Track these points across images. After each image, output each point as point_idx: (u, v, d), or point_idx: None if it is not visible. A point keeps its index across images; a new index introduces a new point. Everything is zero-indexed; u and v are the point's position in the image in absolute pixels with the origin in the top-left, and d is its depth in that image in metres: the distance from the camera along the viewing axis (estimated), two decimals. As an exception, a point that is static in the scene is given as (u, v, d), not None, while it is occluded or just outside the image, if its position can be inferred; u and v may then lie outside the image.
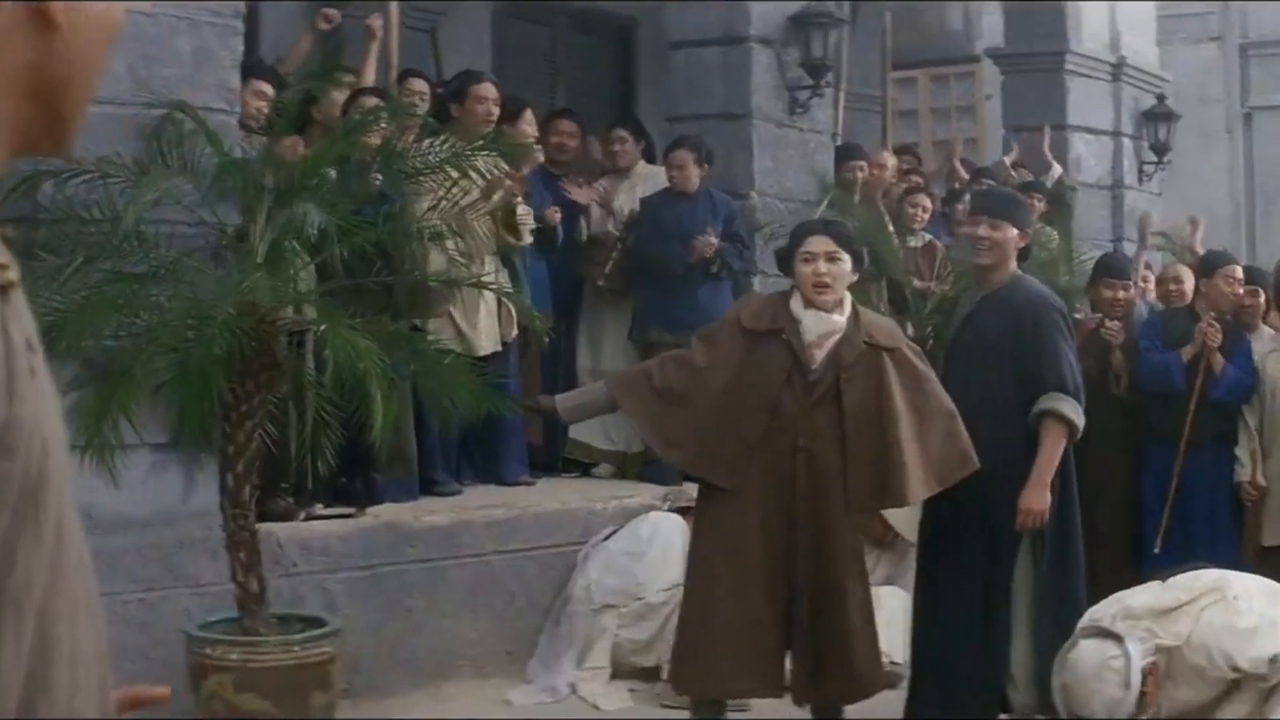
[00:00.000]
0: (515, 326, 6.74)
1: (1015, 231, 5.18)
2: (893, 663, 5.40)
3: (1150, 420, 6.72)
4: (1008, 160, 10.40)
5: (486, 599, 6.26)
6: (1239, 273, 6.87)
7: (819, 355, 4.74)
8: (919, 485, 4.73)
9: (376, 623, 5.93)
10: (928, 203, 8.91)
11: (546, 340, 6.61)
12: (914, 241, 8.80)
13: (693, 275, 7.28)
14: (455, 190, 5.83)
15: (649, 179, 7.63)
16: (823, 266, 4.77)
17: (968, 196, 9.13)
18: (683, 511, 6.35)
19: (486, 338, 6.62)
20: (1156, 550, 6.48)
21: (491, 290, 5.63)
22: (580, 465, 7.66)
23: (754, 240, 7.48)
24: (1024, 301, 5.14)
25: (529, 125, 7.16)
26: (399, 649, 5.99)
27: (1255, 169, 14.47)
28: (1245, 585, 4.60)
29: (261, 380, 4.94)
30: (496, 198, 6.46)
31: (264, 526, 5.55)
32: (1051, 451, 5.00)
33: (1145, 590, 4.68)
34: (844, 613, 4.75)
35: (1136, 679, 4.35)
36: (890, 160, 8.95)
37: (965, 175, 9.89)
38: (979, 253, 5.19)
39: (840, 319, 4.79)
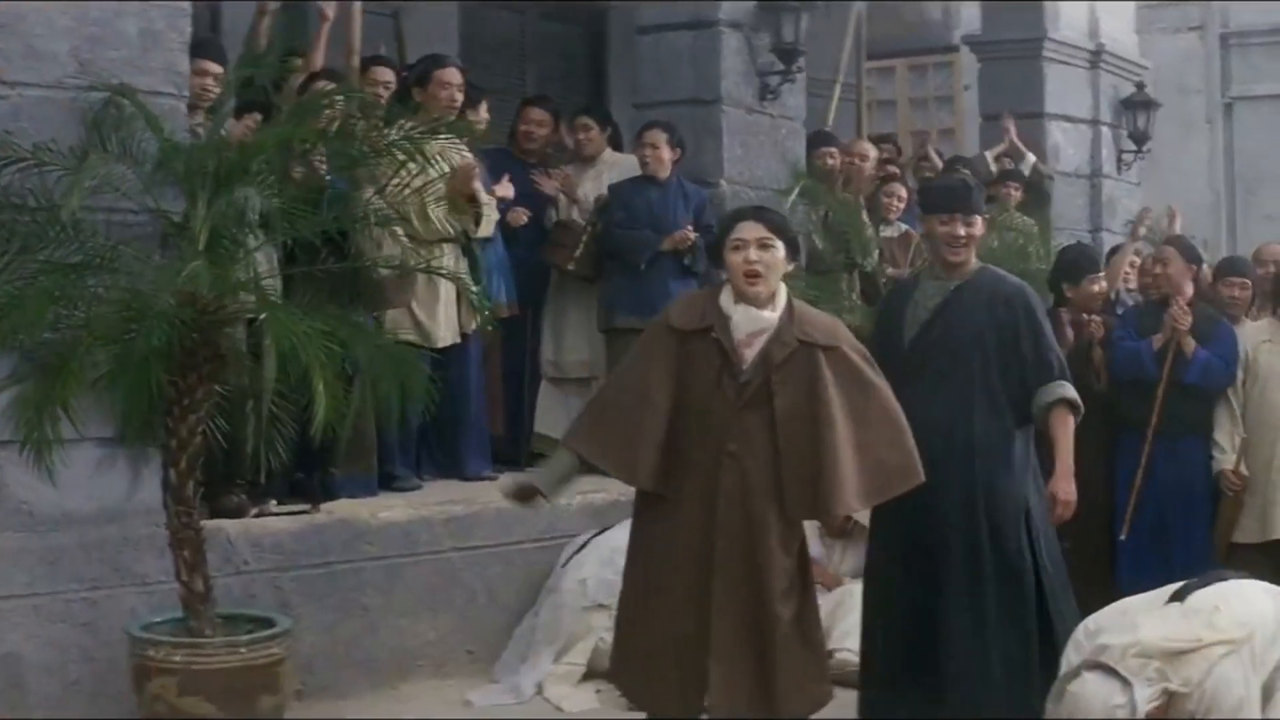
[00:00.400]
0: (476, 317, 6.59)
1: (982, 221, 5.10)
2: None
3: (1123, 411, 6.57)
4: (991, 154, 10.24)
5: (446, 597, 6.10)
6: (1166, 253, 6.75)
7: (749, 354, 4.32)
8: (853, 496, 4.29)
9: (331, 622, 5.77)
10: (903, 192, 8.76)
11: (490, 329, 6.47)
12: (889, 231, 8.66)
13: (664, 263, 7.13)
14: (407, 174, 5.69)
15: (615, 167, 7.47)
16: (754, 254, 4.35)
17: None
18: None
19: (445, 329, 6.46)
20: (1122, 537, 6.34)
21: (443, 277, 5.44)
22: (546, 459, 7.49)
23: (723, 230, 7.30)
24: (1012, 290, 5.06)
25: (486, 114, 7.03)
26: (355, 649, 5.83)
27: (1235, 159, 14.45)
28: (1270, 629, 4.32)
29: (205, 373, 4.77)
30: (458, 184, 6.32)
31: (214, 523, 5.43)
32: (1069, 439, 4.99)
33: (1163, 616, 4.34)
34: (769, 636, 4.28)
35: None
36: (871, 151, 8.78)
37: (939, 164, 9.72)
38: (956, 251, 5.02)
39: (772, 315, 4.37)
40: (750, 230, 4.40)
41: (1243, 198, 14.22)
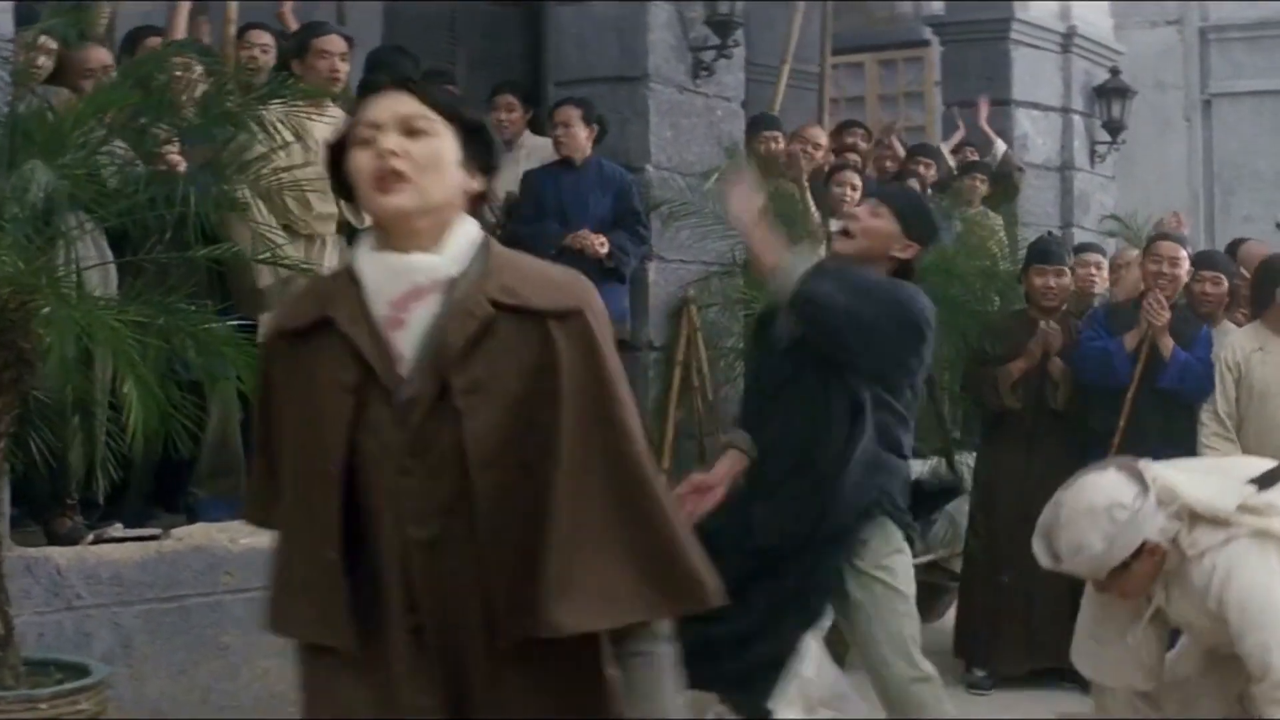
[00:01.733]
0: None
1: (897, 228, 4.13)
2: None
3: (1091, 422, 5.86)
4: (947, 146, 9.52)
5: (321, 634, 5.34)
6: (1178, 251, 5.99)
7: (407, 341, 2.25)
8: (581, 613, 2.21)
9: (183, 663, 5.02)
10: (857, 181, 7.99)
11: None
12: (835, 224, 7.90)
13: (575, 261, 6.37)
14: (284, 155, 4.99)
15: (537, 153, 6.74)
16: (392, 140, 2.24)
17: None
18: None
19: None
20: None
21: (290, 269, 4.69)
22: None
23: (649, 220, 6.56)
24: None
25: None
26: (212, 694, 5.08)
27: (1214, 158, 13.89)
28: None
29: (4, 380, 4.03)
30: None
31: (41, 551, 4.75)
32: None
33: (1222, 486, 3.78)
34: None
35: (1129, 545, 3.61)
36: (823, 137, 8.06)
37: (901, 153, 9.00)
38: (842, 237, 4.12)
39: (439, 259, 2.27)
40: (386, 106, 2.28)
41: (1221, 198, 13.72)
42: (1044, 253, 6.26)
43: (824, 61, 8.95)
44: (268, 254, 4.41)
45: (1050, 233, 6.98)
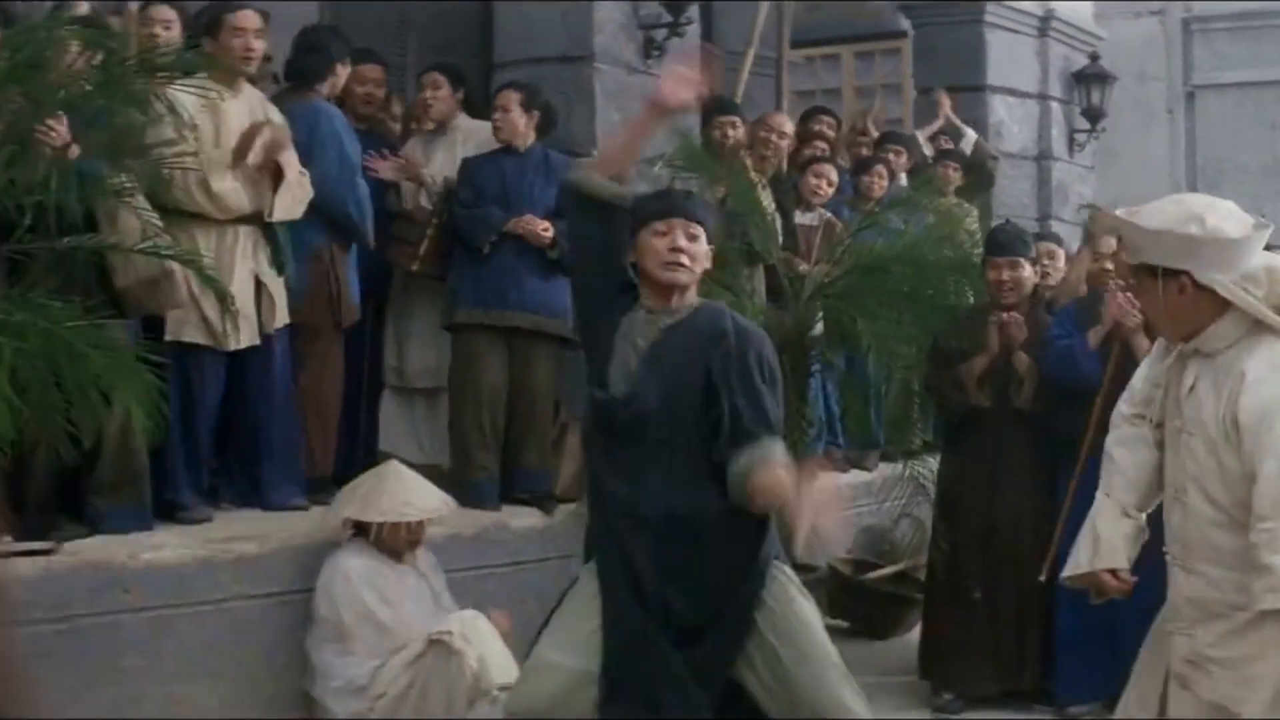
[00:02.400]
0: (282, 314, 5.45)
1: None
2: None
3: (1060, 426, 5.46)
4: (924, 133, 9.14)
5: (232, 658, 4.95)
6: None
7: None
8: None
9: (79, 688, 4.62)
10: (833, 174, 7.62)
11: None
12: (808, 219, 7.52)
13: (516, 249, 5.97)
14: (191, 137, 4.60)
15: (474, 138, 6.29)
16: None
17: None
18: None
19: (240, 328, 5.30)
20: (1041, 578, 5.08)
21: (192, 267, 4.27)
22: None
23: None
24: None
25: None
26: (109, 724, 4.68)
27: (1197, 151, 13.82)
28: None
29: None
30: (256, 150, 5.19)
31: (-83, 569, 4.30)
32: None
33: None
34: None
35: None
36: (788, 125, 7.65)
37: (874, 135, 8.60)
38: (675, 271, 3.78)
39: None
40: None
41: (1205, 192, 13.19)
42: (998, 244, 5.85)
43: (781, 48, 8.52)
44: (150, 244, 3.97)
45: (1008, 221, 6.53)
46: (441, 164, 6.27)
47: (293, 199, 5.40)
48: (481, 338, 5.97)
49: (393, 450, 6.27)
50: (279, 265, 5.43)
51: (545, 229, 5.89)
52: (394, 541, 5.06)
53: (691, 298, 3.81)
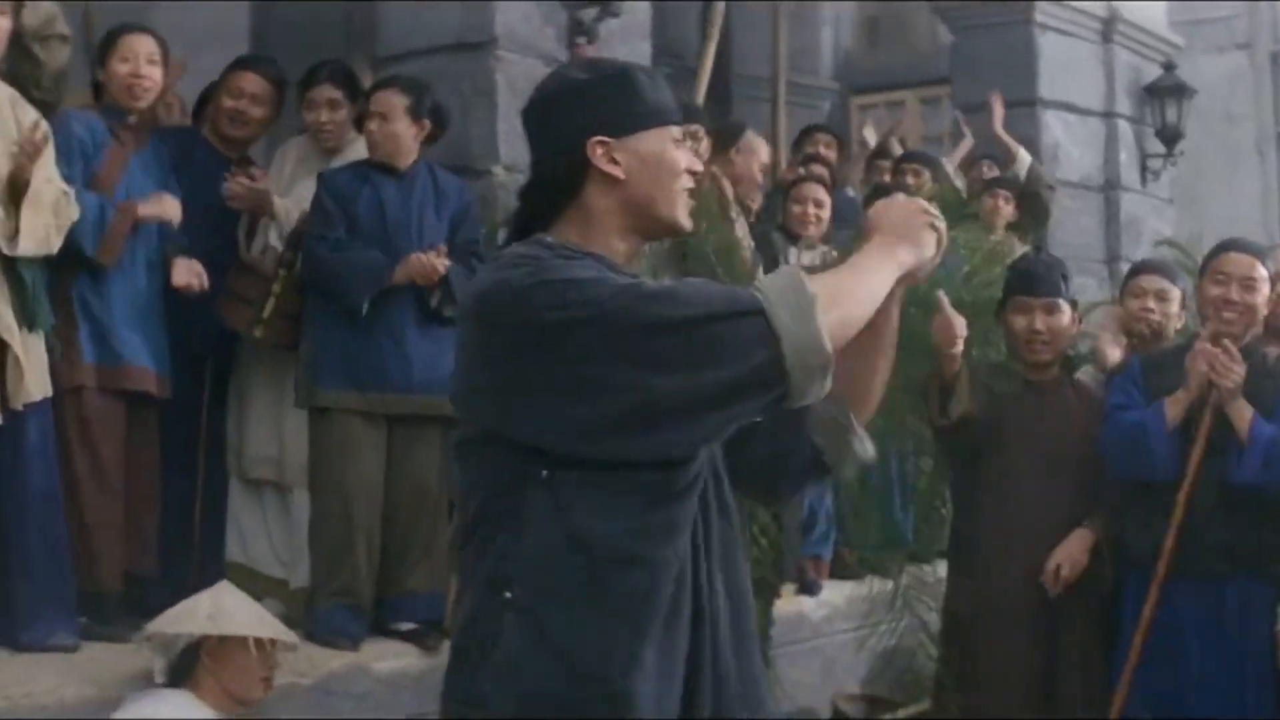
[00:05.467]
0: (38, 383, 3.99)
1: None
2: None
3: (1127, 538, 3.96)
4: (952, 161, 7.65)
5: None
6: (1254, 268, 4.03)
7: None
8: None
9: None
10: (822, 196, 6.13)
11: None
12: (808, 257, 6.01)
13: (396, 303, 4.51)
14: None
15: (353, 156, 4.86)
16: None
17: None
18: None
19: (-34, 403, 3.85)
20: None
21: None
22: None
23: (495, 241, 4.63)
24: None
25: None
26: None
27: None
28: None
29: None
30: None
31: None
32: None
33: None
34: None
35: None
36: (761, 147, 6.18)
37: (897, 152, 7.20)
38: None
39: None
40: None
41: (1299, 236, 12.62)
42: (1028, 277, 4.30)
43: (777, 73, 7.08)
44: None
45: (1040, 249, 4.95)
46: (306, 195, 4.79)
47: (45, 225, 3.95)
48: (354, 422, 4.53)
49: (243, 560, 4.83)
50: (31, 318, 3.96)
51: (440, 263, 4.45)
52: (243, 684, 3.66)
53: None
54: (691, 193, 2.27)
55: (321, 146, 4.94)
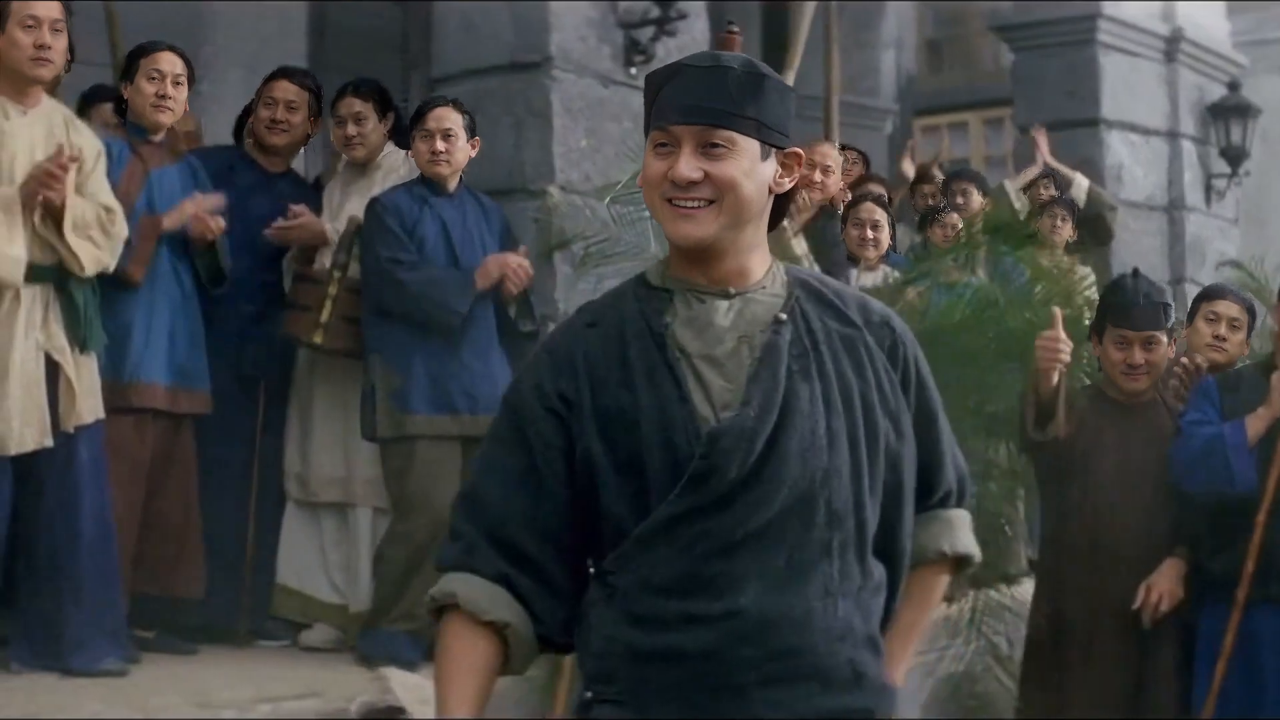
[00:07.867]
0: (90, 406, 3.97)
1: None
2: None
3: (1202, 557, 3.81)
4: (1013, 185, 7.46)
5: None
6: None
7: None
8: None
9: None
10: (880, 216, 5.98)
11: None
12: (868, 279, 5.87)
13: (479, 320, 4.47)
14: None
15: (397, 172, 4.83)
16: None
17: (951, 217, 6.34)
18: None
19: (21, 425, 3.82)
20: None
21: None
22: (295, 626, 4.82)
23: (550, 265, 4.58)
24: None
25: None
26: None
27: None
28: None
29: None
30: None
31: None
32: None
33: None
34: None
35: None
36: (833, 154, 5.98)
37: (939, 178, 7.01)
38: None
39: None
40: None
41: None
42: (1126, 312, 4.11)
43: (829, 93, 6.90)
44: None
45: (1138, 272, 4.82)
46: (356, 209, 4.76)
47: (97, 245, 3.94)
48: (442, 445, 4.49)
49: (296, 585, 4.79)
50: (83, 340, 3.93)
51: (526, 262, 4.43)
52: None
53: None
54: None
55: (351, 159, 4.90)
